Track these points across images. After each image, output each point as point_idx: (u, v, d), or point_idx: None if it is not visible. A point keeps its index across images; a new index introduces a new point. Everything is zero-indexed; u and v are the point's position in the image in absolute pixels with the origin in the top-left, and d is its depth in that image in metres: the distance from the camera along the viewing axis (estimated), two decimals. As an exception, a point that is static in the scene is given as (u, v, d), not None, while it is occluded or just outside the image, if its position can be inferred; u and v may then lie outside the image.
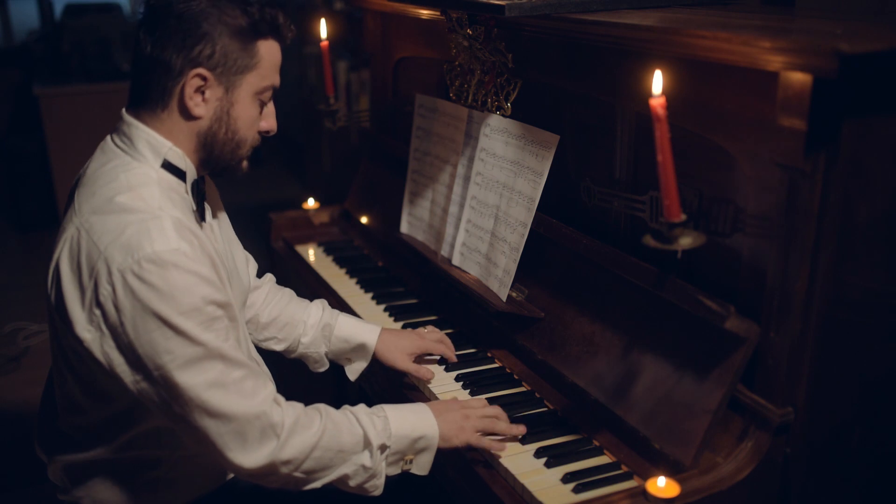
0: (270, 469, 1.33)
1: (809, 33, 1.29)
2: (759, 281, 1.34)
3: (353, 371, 1.80)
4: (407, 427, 1.43)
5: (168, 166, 1.36)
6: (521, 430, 1.49)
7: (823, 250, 1.26)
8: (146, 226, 1.25)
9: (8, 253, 4.69)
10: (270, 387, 1.36)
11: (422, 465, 1.46)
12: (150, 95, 1.35)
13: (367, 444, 1.39)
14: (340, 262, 2.31)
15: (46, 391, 1.53)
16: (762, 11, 1.71)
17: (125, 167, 1.34)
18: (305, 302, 1.83)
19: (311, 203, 2.55)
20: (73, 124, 4.43)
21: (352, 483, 1.40)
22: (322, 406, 1.42)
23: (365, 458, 1.39)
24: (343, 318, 1.79)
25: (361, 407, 1.45)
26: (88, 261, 1.26)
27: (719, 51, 1.27)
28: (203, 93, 1.34)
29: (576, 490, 1.35)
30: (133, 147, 1.36)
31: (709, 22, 1.42)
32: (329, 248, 2.40)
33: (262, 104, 1.42)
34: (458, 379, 1.71)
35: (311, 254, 2.39)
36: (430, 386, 1.69)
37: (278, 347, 1.80)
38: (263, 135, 1.45)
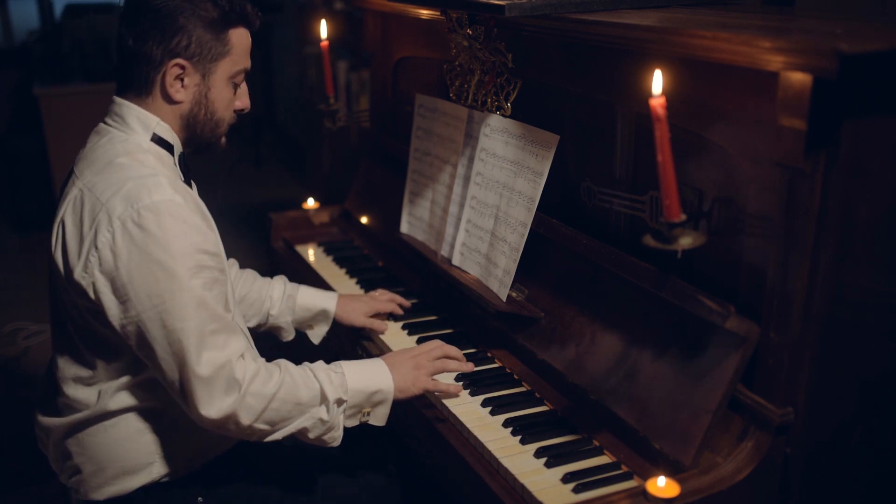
0: (232, 419, 1.41)
1: (809, 33, 1.29)
2: (759, 281, 1.34)
3: (316, 335, 1.98)
4: (363, 382, 1.53)
5: (157, 140, 1.49)
6: (470, 366, 1.66)
7: (823, 250, 1.26)
8: (145, 181, 1.38)
9: (8, 253, 4.68)
10: (243, 342, 1.44)
11: (379, 417, 1.57)
12: (135, 84, 1.48)
13: (323, 398, 1.48)
14: (340, 262, 2.31)
15: (47, 373, 1.60)
16: (762, 11, 1.71)
17: (121, 140, 1.47)
18: (268, 279, 1.97)
19: (311, 203, 2.55)
20: (73, 124, 4.39)
21: (311, 435, 1.50)
22: (283, 361, 1.51)
23: (322, 412, 1.49)
24: (304, 289, 1.96)
25: (320, 363, 1.54)
26: (91, 213, 1.38)
27: (719, 51, 1.27)
28: (182, 80, 1.47)
29: (576, 490, 1.35)
30: (125, 123, 1.48)
31: (709, 22, 1.42)
32: (329, 248, 2.40)
33: (236, 86, 1.55)
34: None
35: (311, 254, 2.39)
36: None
37: (250, 324, 1.92)
38: (238, 112, 1.59)
